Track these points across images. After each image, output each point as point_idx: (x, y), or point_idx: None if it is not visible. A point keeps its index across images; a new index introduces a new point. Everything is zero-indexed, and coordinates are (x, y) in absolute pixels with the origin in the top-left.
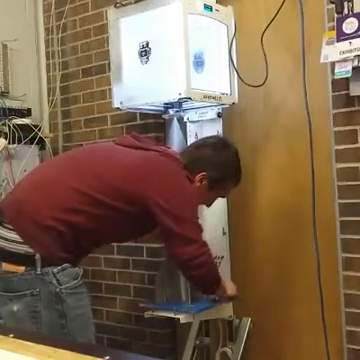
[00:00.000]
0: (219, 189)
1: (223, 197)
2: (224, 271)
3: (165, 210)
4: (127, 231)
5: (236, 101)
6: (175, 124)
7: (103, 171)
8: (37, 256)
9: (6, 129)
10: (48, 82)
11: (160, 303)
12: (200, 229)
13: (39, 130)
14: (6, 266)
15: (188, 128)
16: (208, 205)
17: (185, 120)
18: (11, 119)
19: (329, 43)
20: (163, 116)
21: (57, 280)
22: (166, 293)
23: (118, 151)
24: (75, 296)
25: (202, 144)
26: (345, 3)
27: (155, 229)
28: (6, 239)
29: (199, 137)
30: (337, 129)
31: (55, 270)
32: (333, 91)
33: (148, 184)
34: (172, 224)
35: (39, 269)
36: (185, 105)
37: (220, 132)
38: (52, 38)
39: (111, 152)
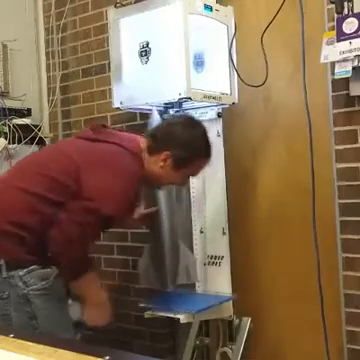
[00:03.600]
0: (187, 168)
1: (194, 175)
2: (224, 271)
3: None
4: None
5: (236, 101)
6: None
7: (46, 166)
8: (1, 261)
9: (6, 129)
10: (48, 82)
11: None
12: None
13: (39, 130)
14: None
15: None
16: (181, 184)
17: None
18: (11, 119)
19: (329, 43)
20: (163, 116)
21: (24, 282)
22: (150, 278)
23: (69, 144)
24: (43, 297)
25: (173, 122)
26: (345, 3)
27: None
28: None
29: None
30: (337, 129)
31: (21, 273)
32: (333, 91)
33: (83, 179)
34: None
35: (5, 273)
36: (185, 105)
37: (220, 132)
38: (52, 38)
39: (61, 146)
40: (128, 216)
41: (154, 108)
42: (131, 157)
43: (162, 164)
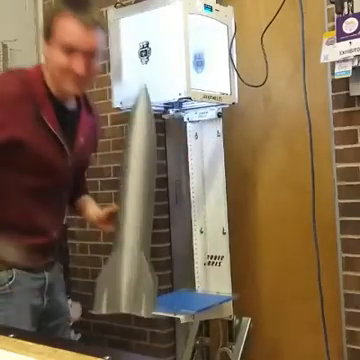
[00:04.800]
0: (54, 36)
1: (68, 43)
2: (224, 271)
3: None
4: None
5: (236, 101)
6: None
7: None
8: None
9: None
10: None
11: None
12: None
13: None
14: None
15: (188, 128)
16: (68, 68)
17: (185, 120)
18: None
19: (329, 43)
20: (163, 116)
21: None
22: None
23: None
24: None
25: None
26: (345, 3)
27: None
28: None
29: (199, 137)
30: (337, 129)
31: None
32: (333, 91)
33: None
34: None
35: None
36: (185, 105)
37: (220, 132)
38: None
39: None
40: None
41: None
42: (12, 77)
43: (44, 55)
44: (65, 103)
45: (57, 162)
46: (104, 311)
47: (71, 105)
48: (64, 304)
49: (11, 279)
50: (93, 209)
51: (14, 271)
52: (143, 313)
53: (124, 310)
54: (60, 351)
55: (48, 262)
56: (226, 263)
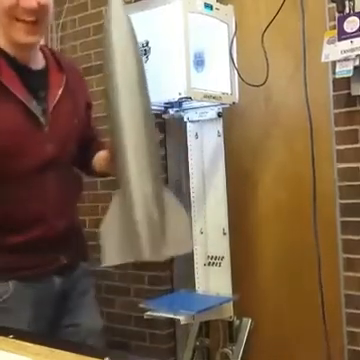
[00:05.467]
0: None
1: None
2: (224, 272)
3: None
4: None
5: (236, 101)
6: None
7: None
8: None
9: None
10: None
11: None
12: None
13: None
14: None
15: (188, 128)
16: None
17: (185, 120)
18: None
19: (330, 42)
20: (163, 116)
21: None
22: (116, 249)
23: None
24: None
25: None
26: (346, 2)
27: None
28: None
29: (199, 137)
30: (338, 129)
31: None
32: (334, 90)
33: None
34: None
35: None
36: (185, 105)
37: (220, 132)
38: (51, 37)
39: None
40: None
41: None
42: None
43: None
44: (28, 64)
45: (30, 135)
46: (117, 261)
47: (37, 65)
48: (88, 324)
49: (6, 292)
50: (100, 155)
51: (10, 283)
52: (173, 251)
53: (148, 257)
54: (60, 352)
55: (59, 264)
56: (226, 263)
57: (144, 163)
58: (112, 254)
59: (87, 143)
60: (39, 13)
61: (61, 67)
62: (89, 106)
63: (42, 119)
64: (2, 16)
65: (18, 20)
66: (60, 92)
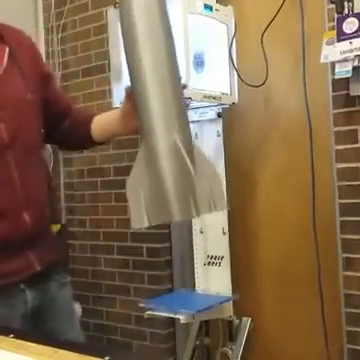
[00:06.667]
0: None
1: None
2: (224, 271)
3: None
4: None
5: (236, 101)
6: None
7: None
8: None
9: None
10: None
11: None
12: None
13: None
14: None
15: None
16: None
17: None
18: None
19: (329, 43)
20: None
21: None
22: (147, 208)
23: None
24: None
25: None
26: (345, 3)
27: None
28: None
29: (199, 137)
30: (337, 129)
31: None
32: (333, 91)
33: None
34: None
35: None
36: None
37: (220, 132)
38: (52, 38)
39: None
40: None
41: None
42: None
43: None
44: None
45: None
46: (146, 223)
47: None
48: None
49: None
50: (112, 112)
51: None
52: (205, 209)
53: (178, 217)
54: (60, 351)
55: (31, 272)
56: (226, 263)
57: (170, 112)
58: (139, 215)
59: (62, 117)
60: None
61: (3, 39)
62: (48, 77)
63: None
64: None
65: None
66: (3, 65)
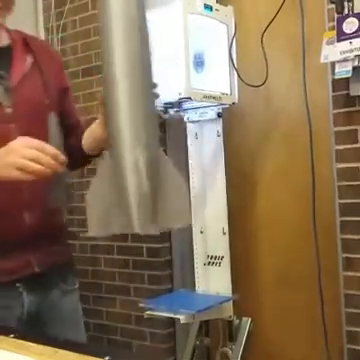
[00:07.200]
0: None
1: None
2: (224, 271)
3: None
4: None
5: (236, 101)
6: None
7: None
8: None
9: None
10: None
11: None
12: None
13: None
14: None
15: (188, 128)
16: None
17: (185, 120)
18: None
19: (329, 43)
20: (163, 116)
21: None
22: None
23: None
24: None
25: None
26: (345, 3)
27: None
28: None
29: (199, 137)
30: (337, 129)
31: None
32: (333, 91)
33: None
34: None
35: None
36: (185, 105)
37: (220, 132)
38: (52, 38)
39: None
40: None
41: None
42: None
43: None
44: None
45: None
46: (102, 232)
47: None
48: None
49: None
50: (96, 122)
51: None
52: (168, 224)
53: (136, 229)
54: (61, 351)
55: (28, 272)
56: (226, 263)
57: (138, 123)
58: (97, 224)
59: (69, 131)
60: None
61: (29, 48)
62: (66, 90)
63: (1, 97)
64: None
65: None
66: (24, 71)
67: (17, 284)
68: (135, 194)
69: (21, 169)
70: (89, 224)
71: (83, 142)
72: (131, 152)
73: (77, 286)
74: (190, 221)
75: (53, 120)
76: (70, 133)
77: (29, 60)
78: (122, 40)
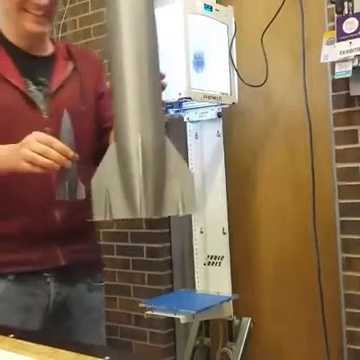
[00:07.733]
0: None
1: None
2: (224, 271)
3: None
4: None
5: (236, 101)
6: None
7: None
8: None
9: None
10: None
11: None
12: None
13: None
14: None
15: (188, 128)
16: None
17: (185, 120)
18: None
19: (329, 43)
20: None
21: None
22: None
23: None
24: None
25: None
26: (345, 3)
27: None
28: None
29: (199, 137)
30: (337, 129)
31: None
32: (333, 91)
33: None
34: None
35: None
36: (185, 105)
37: (220, 132)
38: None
39: None
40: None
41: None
42: None
43: None
44: (32, 51)
45: (27, 117)
46: (108, 216)
47: (43, 52)
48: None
49: None
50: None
51: (4, 283)
52: (173, 210)
53: (143, 213)
54: (60, 351)
55: (55, 264)
56: (226, 263)
57: (145, 111)
58: (103, 208)
59: (103, 133)
60: (48, 7)
61: (71, 56)
62: (101, 95)
63: (40, 103)
64: (12, 7)
65: (27, 11)
66: (64, 78)
67: (45, 274)
68: (140, 179)
69: (30, 162)
70: (94, 209)
71: (110, 140)
72: (138, 136)
73: (103, 284)
74: (195, 208)
75: (67, 120)
76: (104, 135)
77: (69, 67)
78: (129, 28)
